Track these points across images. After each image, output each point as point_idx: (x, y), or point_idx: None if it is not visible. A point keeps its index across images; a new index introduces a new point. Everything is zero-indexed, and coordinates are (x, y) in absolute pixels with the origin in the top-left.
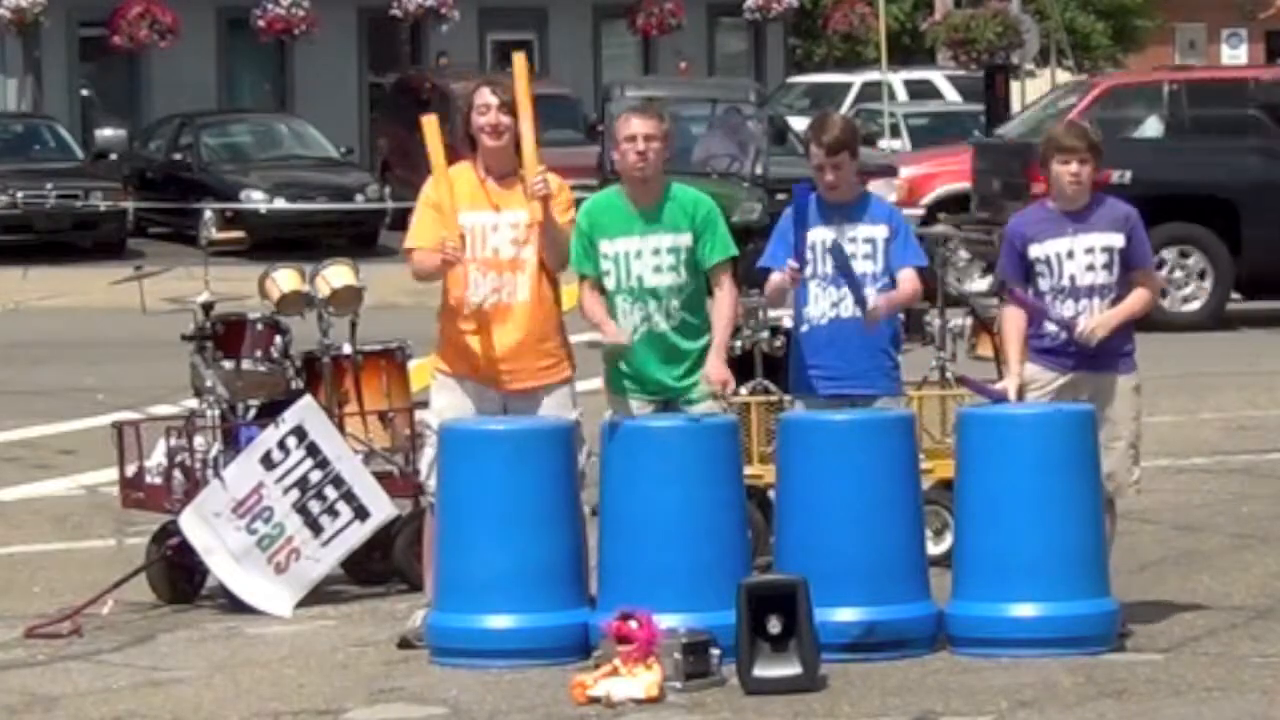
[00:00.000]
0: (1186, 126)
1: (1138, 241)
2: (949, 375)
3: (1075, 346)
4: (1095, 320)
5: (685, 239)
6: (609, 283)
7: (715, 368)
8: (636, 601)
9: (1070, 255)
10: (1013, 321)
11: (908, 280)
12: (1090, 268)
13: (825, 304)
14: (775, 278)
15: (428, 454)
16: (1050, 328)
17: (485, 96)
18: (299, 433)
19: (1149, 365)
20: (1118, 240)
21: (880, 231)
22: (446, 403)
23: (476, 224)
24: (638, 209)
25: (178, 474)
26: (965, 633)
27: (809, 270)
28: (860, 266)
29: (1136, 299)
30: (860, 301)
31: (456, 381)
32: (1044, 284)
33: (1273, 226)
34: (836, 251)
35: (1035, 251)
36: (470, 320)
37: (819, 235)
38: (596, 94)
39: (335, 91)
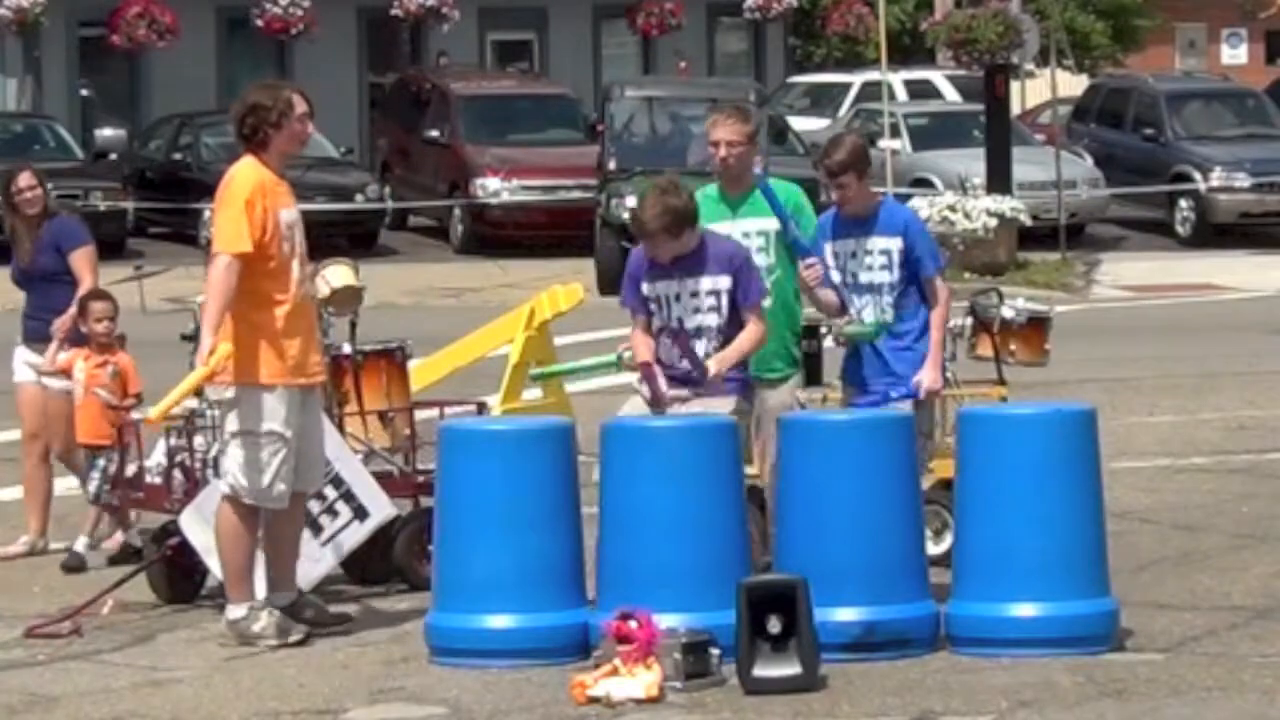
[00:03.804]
0: None
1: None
2: (949, 376)
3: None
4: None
5: (772, 223)
6: None
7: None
8: (636, 601)
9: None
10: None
11: (939, 301)
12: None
13: (850, 313)
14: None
15: (275, 464)
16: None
17: (304, 107)
18: None
19: (1152, 365)
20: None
21: (895, 243)
22: (289, 415)
23: (296, 220)
24: (730, 198)
25: (178, 474)
26: (965, 633)
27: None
28: (878, 277)
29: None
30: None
31: (289, 393)
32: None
33: None
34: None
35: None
36: (291, 317)
37: (837, 247)
38: (596, 94)
39: (335, 91)
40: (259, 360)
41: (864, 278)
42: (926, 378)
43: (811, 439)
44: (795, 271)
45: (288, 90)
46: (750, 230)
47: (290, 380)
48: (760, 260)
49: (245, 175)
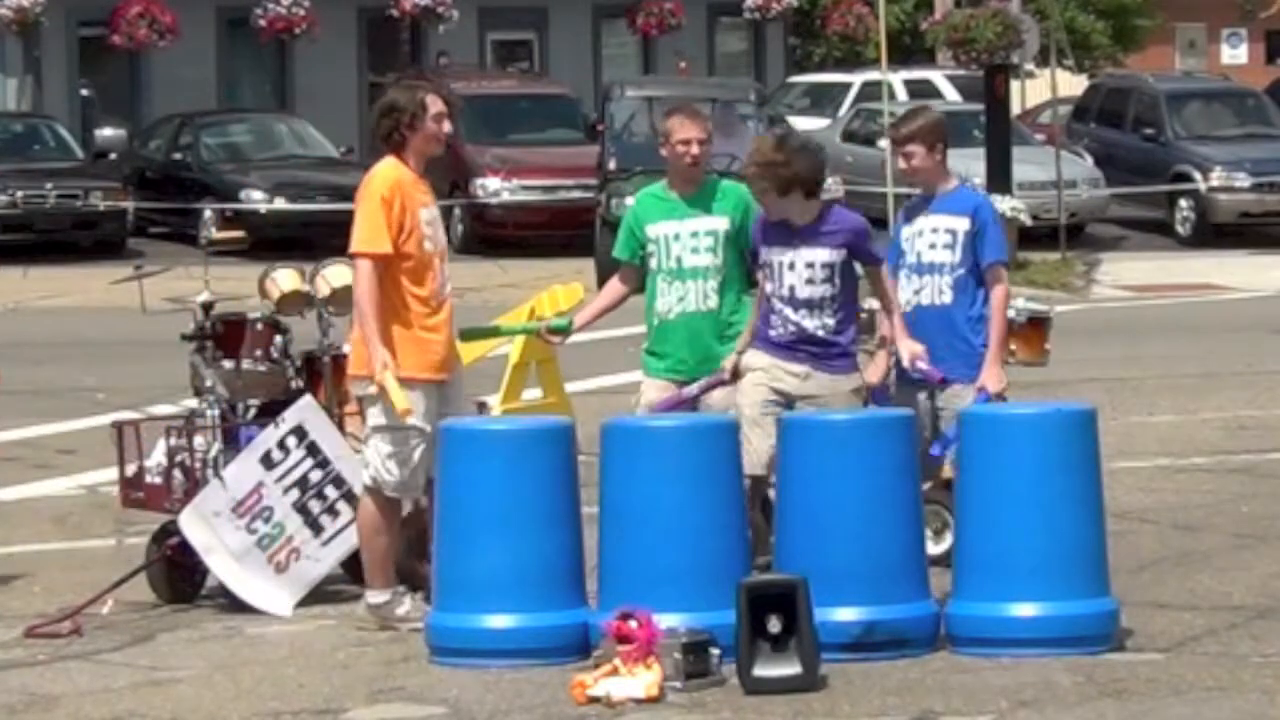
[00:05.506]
0: None
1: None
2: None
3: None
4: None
5: (723, 223)
6: (652, 263)
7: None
8: (636, 601)
9: (792, 267)
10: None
11: (998, 296)
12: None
13: (909, 292)
14: None
15: (416, 457)
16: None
17: (439, 106)
18: (299, 432)
19: (1152, 365)
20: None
21: (961, 224)
22: (429, 410)
23: (435, 218)
24: (680, 197)
25: (178, 474)
26: (965, 633)
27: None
28: (939, 256)
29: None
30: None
31: (430, 388)
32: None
33: None
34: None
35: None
36: (436, 313)
37: (909, 230)
38: (596, 94)
39: (335, 91)
40: (401, 357)
41: (926, 257)
42: (991, 382)
43: (811, 439)
44: (745, 272)
45: (423, 90)
46: (699, 230)
47: (433, 376)
48: (707, 260)
49: (384, 174)
